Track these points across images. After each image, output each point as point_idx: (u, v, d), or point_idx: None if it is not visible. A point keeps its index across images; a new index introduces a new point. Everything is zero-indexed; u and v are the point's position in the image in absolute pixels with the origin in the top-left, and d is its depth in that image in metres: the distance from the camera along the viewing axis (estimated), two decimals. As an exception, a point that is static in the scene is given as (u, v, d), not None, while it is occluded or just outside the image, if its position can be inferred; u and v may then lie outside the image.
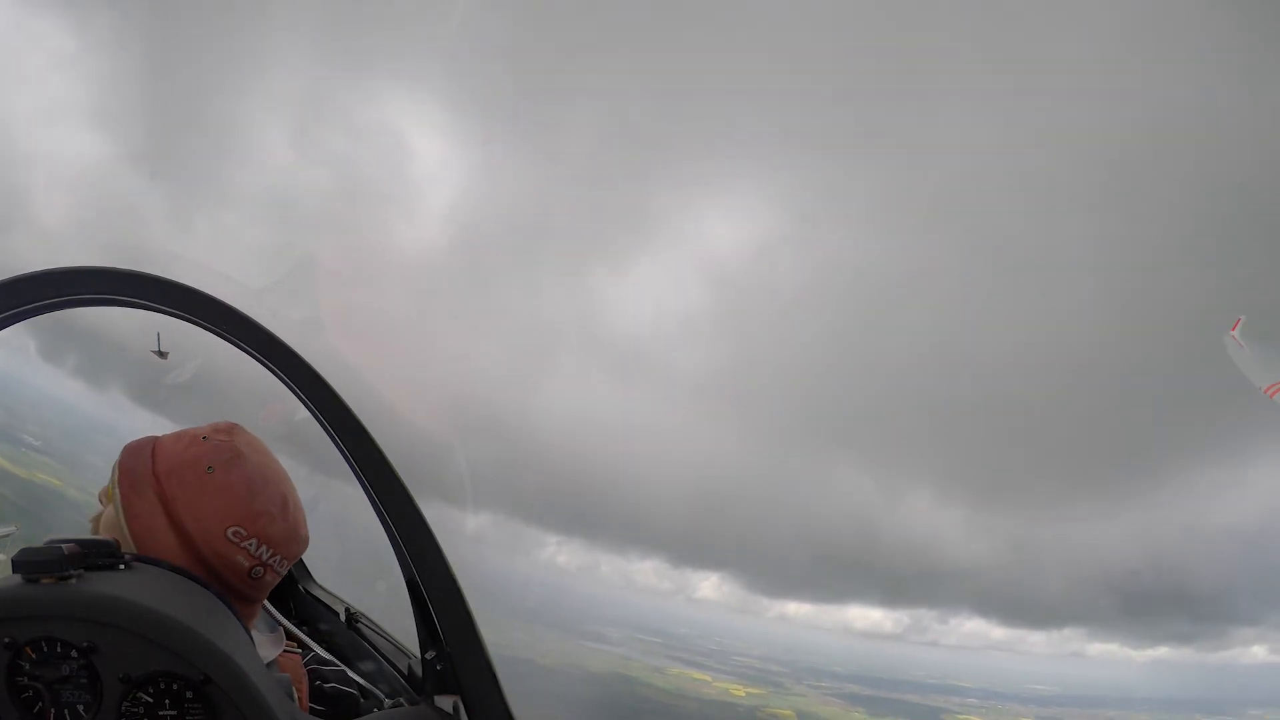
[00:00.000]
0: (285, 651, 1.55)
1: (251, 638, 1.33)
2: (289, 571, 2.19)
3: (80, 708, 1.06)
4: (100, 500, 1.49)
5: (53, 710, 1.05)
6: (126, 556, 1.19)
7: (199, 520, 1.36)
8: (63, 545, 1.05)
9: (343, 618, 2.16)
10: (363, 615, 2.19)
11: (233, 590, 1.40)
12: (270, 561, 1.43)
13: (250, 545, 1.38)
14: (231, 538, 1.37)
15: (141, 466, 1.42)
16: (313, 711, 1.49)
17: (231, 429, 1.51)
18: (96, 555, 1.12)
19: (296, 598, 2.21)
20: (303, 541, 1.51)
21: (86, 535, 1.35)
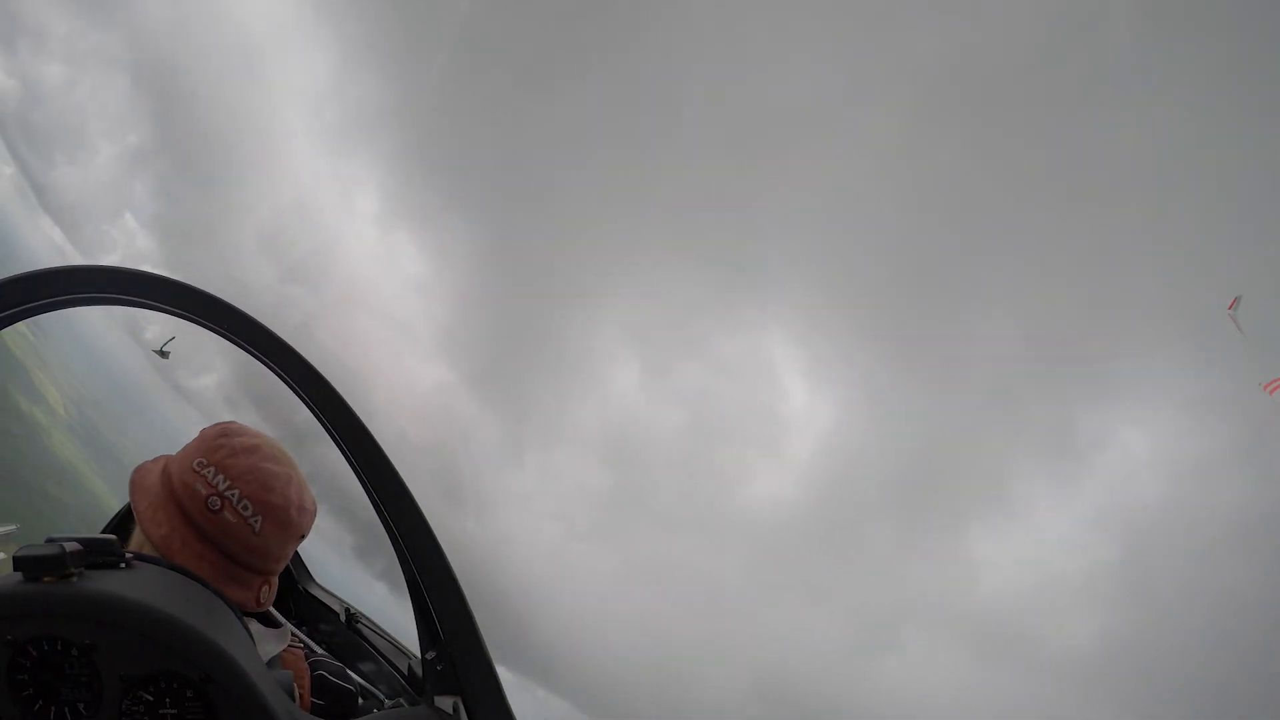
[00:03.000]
0: (288, 648, 1.55)
1: (252, 635, 1.33)
2: (289, 572, 2.21)
3: (81, 706, 1.05)
4: None
5: (53, 709, 1.05)
6: (128, 555, 1.19)
7: (179, 462, 1.47)
8: (63, 543, 1.05)
9: (343, 618, 2.16)
10: (363, 615, 2.20)
11: (198, 530, 1.41)
12: (227, 495, 1.42)
13: (208, 474, 1.43)
14: (195, 467, 1.44)
15: (154, 464, 1.54)
16: (315, 709, 1.49)
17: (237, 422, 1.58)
18: (97, 554, 1.12)
19: (296, 598, 2.21)
20: (276, 496, 1.46)
21: (87, 534, 1.35)
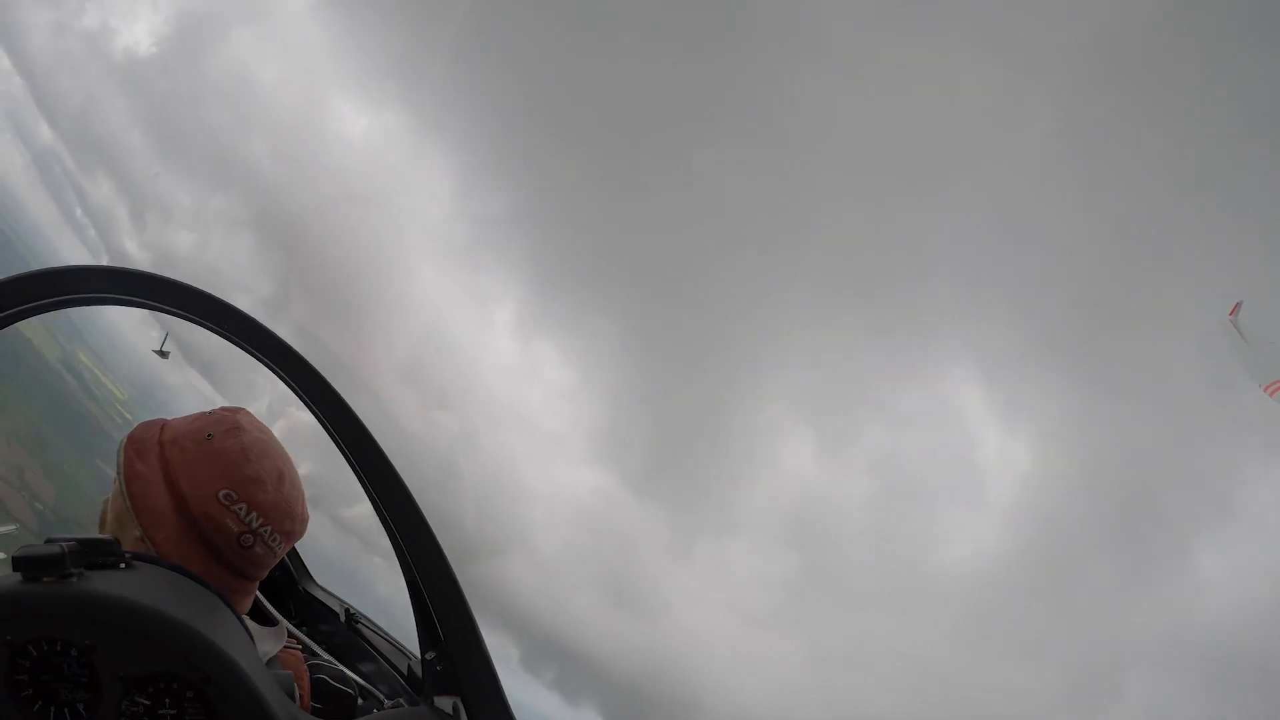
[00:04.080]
0: (286, 647, 1.55)
1: (251, 636, 1.33)
2: (289, 571, 2.21)
3: (80, 707, 1.05)
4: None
5: (52, 709, 1.05)
6: (127, 555, 1.19)
7: (193, 482, 1.39)
8: (63, 544, 1.04)
9: (343, 618, 2.16)
10: (362, 615, 2.20)
11: (224, 562, 1.40)
12: (260, 530, 1.41)
13: (240, 510, 1.39)
14: (222, 500, 1.38)
15: (149, 435, 1.46)
16: (315, 712, 1.49)
17: (238, 409, 1.53)
18: (97, 554, 1.12)
19: (297, 598, 2.21)
20: (297, 521, 1.49)
21: (86, 535, 1.35)
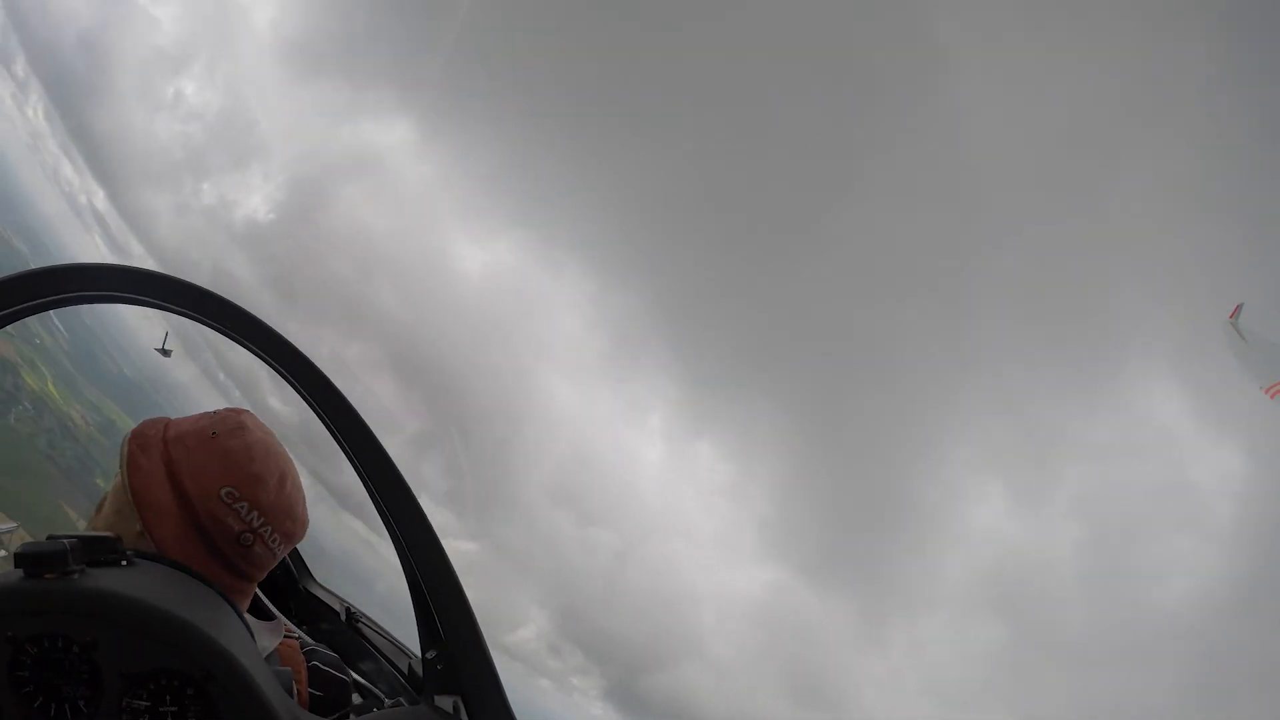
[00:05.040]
0: (284, 640, 1.55)
1: (251, 631, 1.33)
2: (289, 570, 2.21)
3: (81, 703, 1.06)
4: None
5: (53, 705, 1.05)
6: (129, 552, 1.19)
7: (196, 479, 1.40)
8: (65, 541, 1.05)
9: (343, 617, 2.16)
10: (363, 615, 2.20)
11: (224, 560, 1.40)
12: (260, 530, 1.42)
13: (241, 508, 1.39)
14: (224, 498, 1.39)
15: (153, 432, 1.47)
16: (312, 699, 1.49)
17: (242, 410, 1.54)
18: (98, 551, 1.12)
19: (297, 597, 2.21)
20: (299, 523, 1.50)
21: (88, 531, 1.35)
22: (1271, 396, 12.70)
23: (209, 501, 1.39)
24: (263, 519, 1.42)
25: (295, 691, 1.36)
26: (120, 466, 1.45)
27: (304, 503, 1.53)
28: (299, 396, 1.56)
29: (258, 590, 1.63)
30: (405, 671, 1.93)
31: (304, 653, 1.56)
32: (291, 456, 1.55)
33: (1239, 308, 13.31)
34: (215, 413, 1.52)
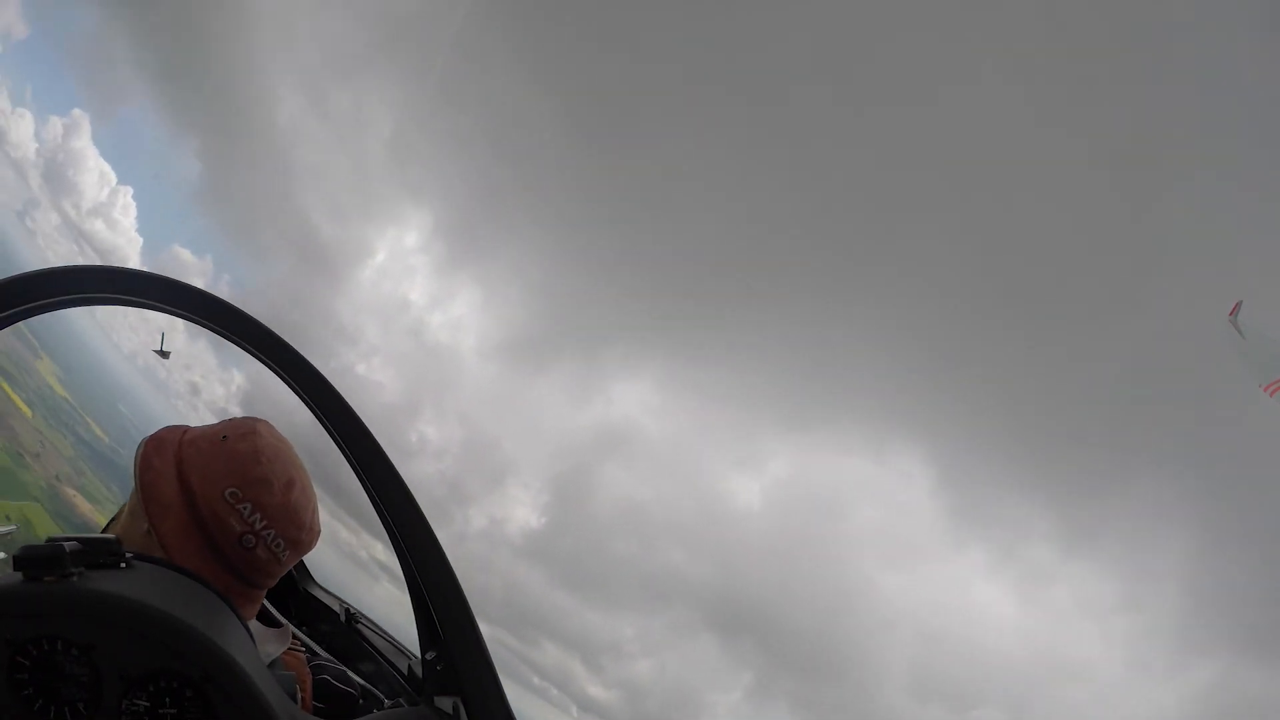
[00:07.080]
0: (290, 650, 1.55)
1: (253, 636, 1.33)
2: (289, 572, 2.21)
3: (80, 705, 1.05)
4: None
5: (53, 708, 1.05)
6: (128, 555, 1.19)
7: (203, 478, 1.41)
8: (64, 543, 1.05)
9: (343, 618, 2.16)
10: (362, 615, 2.20)
11: (226, 563, 1.40)
12: (262, 533, 1.41)
13: (244, 509, 1.39)
14: (228, 498, 1.39)
15: (170, 436, 1.49)
16: (316, 712, 1.49)
17: (258, 419, 1.54)
18: (97, 553, 1.12)
19: (297, 598, 2.21)
20: (304, 530, 1.49)
21: (88, 534, 1.35)
22: (1271, 394, 12.69)
23: (213, 501, 1.39)
24: (265, 522, 1.41)
25: (299, 699, 1.36)
26: (134, 469, 1.46)
27: (315, 511, 1.52)
28: (298, 398, 1.56)
29: (265, 601, 1.63)
30: (405, 672, 1.93)
31: (311, 666, 1.56)
32: (306, 467, 1.54)
33: (1238, 305, 13.23)
34: (231, 419, 1.53)
